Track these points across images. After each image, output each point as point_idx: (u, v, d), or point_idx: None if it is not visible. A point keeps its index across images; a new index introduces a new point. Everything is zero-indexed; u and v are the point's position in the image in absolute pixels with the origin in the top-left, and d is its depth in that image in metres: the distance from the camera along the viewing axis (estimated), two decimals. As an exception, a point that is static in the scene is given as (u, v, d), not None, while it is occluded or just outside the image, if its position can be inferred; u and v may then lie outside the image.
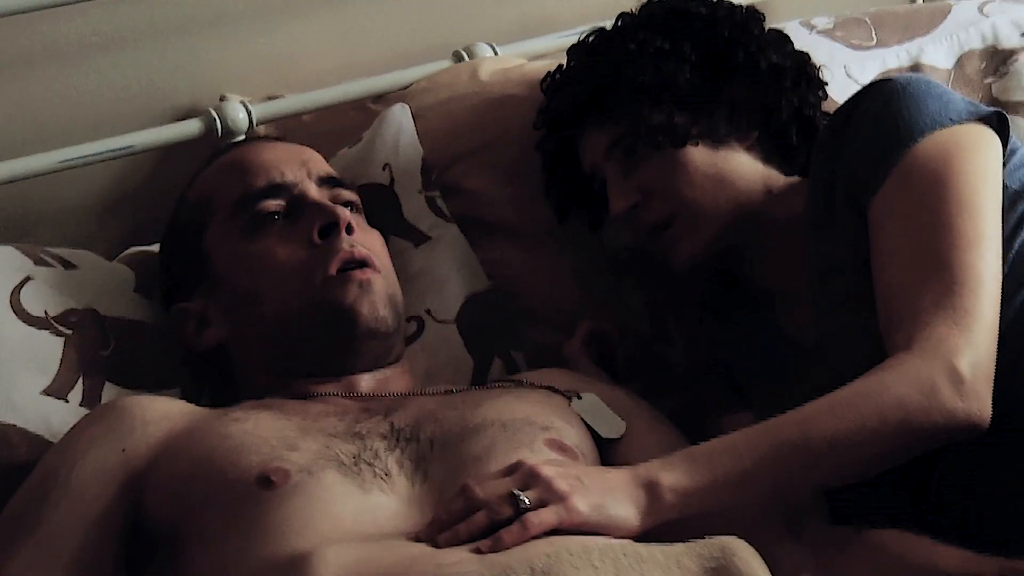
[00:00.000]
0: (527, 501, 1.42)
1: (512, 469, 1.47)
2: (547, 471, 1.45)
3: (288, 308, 1.71)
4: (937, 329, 1.52)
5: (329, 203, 1.75)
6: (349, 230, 1.73)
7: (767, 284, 1.86)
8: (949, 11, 2.27)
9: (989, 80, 2.20)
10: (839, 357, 1.70)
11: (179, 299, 1.81)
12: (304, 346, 1.72)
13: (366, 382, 1.73)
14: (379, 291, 1.72)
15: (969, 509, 1.59)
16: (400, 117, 2.04)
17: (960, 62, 2.22)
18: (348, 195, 1.81)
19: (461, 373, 1.90)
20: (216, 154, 1.90)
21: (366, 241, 1.76)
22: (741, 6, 1.91)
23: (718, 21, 1.86)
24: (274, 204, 1.75)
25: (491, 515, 1.42)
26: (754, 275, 1.87)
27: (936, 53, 2.22)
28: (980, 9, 2.28)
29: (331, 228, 1.73)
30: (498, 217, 2.01)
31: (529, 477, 1.45)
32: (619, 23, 1.92)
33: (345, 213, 1.74)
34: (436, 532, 1.43)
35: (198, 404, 1.73)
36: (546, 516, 1.41)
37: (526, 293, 1.97)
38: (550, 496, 1.43)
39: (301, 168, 1.79)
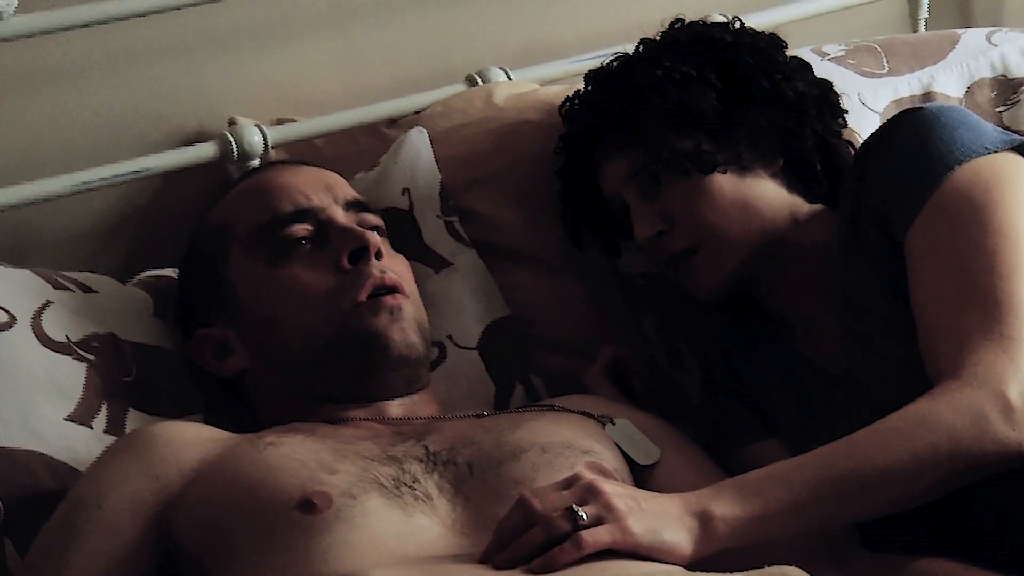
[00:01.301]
0: (585, 517, 1.40)
1: (570, 482, 1.45)
2: (607, 487, 1.44)
3: (316, 335, 1.69)
4: (984, 357, 1.52)
5: (358, 228, 1.73)
6: (378, 255, 1.71)
7: (786, 311, 1.86)
8: (958, 40, 2.28)
9: (1000, 109, 2.21)
10: (871, 387, 1.70)
11: (199, 325, 1.78)
12: (332, 373, 1.70)
13: (395, 408, 1.71)
14: (409, 317, 1.71)
15: (1009, 536, 1.59)
16: (418, 141, 2.03)
17: (971, 90, 2.23)
18: (374, 219, 1.79)
19: (483, 399, 1.89)
20: (239, 179, 1.87)
21: (394, 267, 1.75)
22: (763, 33, 1.91)
23: (742, 48, 1.86)
24: (301, 229, 1.73)
25: (547, 532, 1.40)
26: (773, 302, 1.87)
27: (947, 81, 2.23)
28: (988, 38, 2.29)
29: (361, 253, 1.71)
30: (512, 243, 2.00)
31: (588, 492, 1.43)
32: (642, 49, 1.92)
33: (375, 238, 1.72)
34: (496, 551, 1.41)
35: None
36: (601, 535, 1.39)
37: (539, 319, 1.96)
38: (607, 514, 1.42)
39: (327, 192, 1.77)
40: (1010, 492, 1.56)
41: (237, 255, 1.75)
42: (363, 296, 1.69)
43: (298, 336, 1.70)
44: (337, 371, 1.69)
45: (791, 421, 1.81)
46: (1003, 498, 1.57)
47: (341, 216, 1.75)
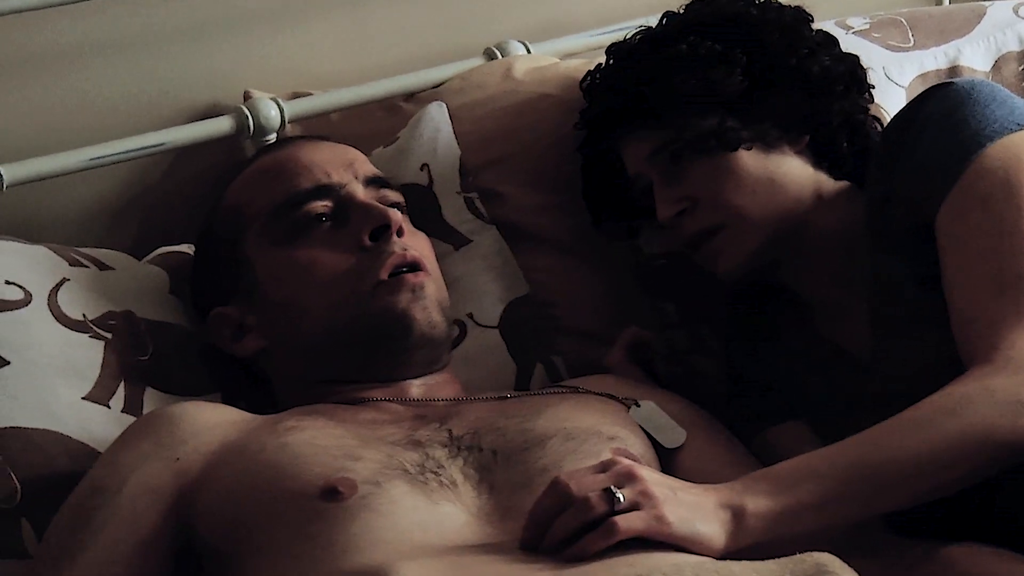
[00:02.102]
0: (622, 499, 1.37)
1: (606, 466, 1.42)
2: (644, 473, 1.41)
3: (337, 315, 1.66)
4: (1018, 341, 1.49)
5: (379, 204, 1.71)
6: (399, 233, 1.69)
7: (810, 294, 1.83)
8: (984, 13, 2.25)
9: (1027, 83, 2.19)
10: (900, 373, 1.67)
11: (215, 303, 1.75)
12: (353, 354, 1.67)
13: (416, 388, 1.69)
14: (431, 295, 1.68)
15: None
16: (437, 116, 2.00)
17: (998, 64, 2.20)
18: (394, 196, 1.76)
19: (504, 378, 1.87)
20: (255, 155, 1.85)
21: (416, 244, 1.72)
22: (789, 6, 1.87)
23: (768, 24, 1.83)
24: (321, 205, 1.71)
25: (581, 515, 1.37)
26: (797, 284, 1.84)
27: (974, 55, 2.20)
28: (1015, 11, 2.26)
29: (382, 231, 1.68)
30: (530, 223, 1.97)
31: (625, 476, 1.40)
32: (665, 23, 1.89)
33: (396, 215, 1.69)
34: (534, 535, 1.39)
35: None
36: (635, 522, 1.37)
37: (558, 302, 1.94)
38: (644, 501, 1.39)
39: (347, 169, 1.74)
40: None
41: (255, 234, 1.73)
42: (384, 274, 1.66)
43: (318, 317, 1.67)
44: (357, 351, 1.67)
45: (817, 406, 1.78)
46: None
47: (361, 193, 1.72)
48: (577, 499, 1.37)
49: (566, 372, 1.89)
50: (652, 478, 1.41)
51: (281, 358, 1.72)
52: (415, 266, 1.68)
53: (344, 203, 1.71)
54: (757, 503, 1.43)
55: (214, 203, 1.82)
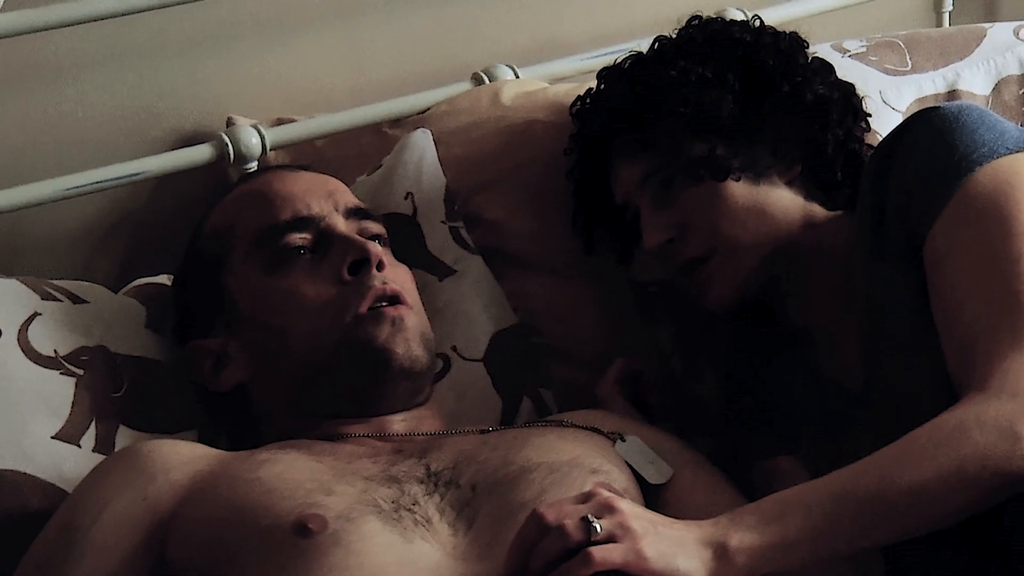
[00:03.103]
0: (599, 529, 1.34)
1: (587, 496, 1.38)
2: (624, 505, 1.37)
3: (316, 347, 1.63)
4: (1013, 367, 1.45)
5: (359, 238, 1.68)
6: (380, 266, 1.66)
7: (806, 322, 1.79)
8: (984, 35, 2.21)
9: (1028, 107, 2.15)
10: (893, 400, 1.63)
11: (195, 335, 1.72)
12: (332, 386, 1.64)
13: (396, 423, 1.66)
14: (412, 328, 1.65)
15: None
16: (422, 143, 1.96)
17: (998, 88, 2.16)
18: (375, 228, 1.73)
19: (489, 413, 1.82)
20: (237, 182, 1.82)
21: (397, 277, 1.69)
22: (784, 33, 1.83)
23: (762, 49, 1.79)
24: (299, 238, 1.68)
25: (557, 543, 1.33)
26: (792, 312, 1.80)
27: (973, 79, 2.16)
28: (1016, 33, 2.22)
29: (361, 264, 1.65)
30: (520, 249, 1.93)
31: (605, 508, 1.36)
32: (656, 47, 1.85)
33: (376, 248, 1.67)
34: (511, 567, 1.35)
35: (217, 447, 1.64)
36: (612, 553, 1.33)
37: (548, 329, 1.90)
38: (622, 533, 1.35)
39: (328, 200, 1.72)
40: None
41: (236, 262, 1.70)
42: (364, 308, 1.63)
43: (299, 348, 1.65)
44: (337, 384, 1.64)
45: (808, 437, 1.74)
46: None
47: (342, 225, 1.70)
48: (553, 527, 1.34)
49: (555, 406, 1.85)
50: (632, 511, 1.37)
51: (262, 391, 1.69)
52: (395, 299, 1.65)
53: (324, 235, 1.68)
54: (743, 538, 1.39)
55: (197, 227, 1.79)
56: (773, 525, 1.40)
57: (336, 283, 1.65)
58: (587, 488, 1.47)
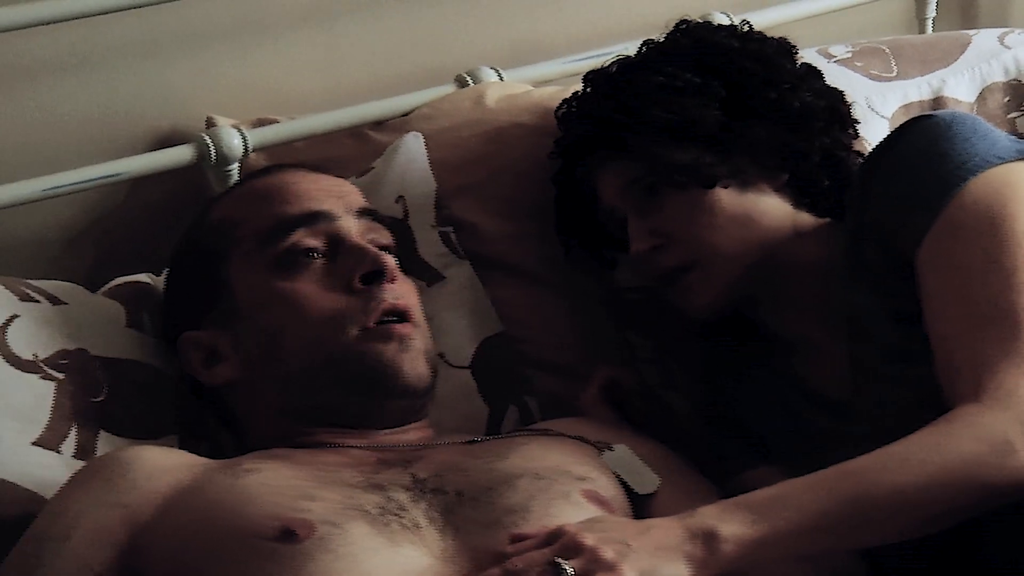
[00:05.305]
0: (570, 571, 1.33)
1: (553, 537, 1.38)
2: (590, 540, 1.36)
3: (317, 355, 1.61)
4: (1006, 379, 1.45)
5: (372, 248, 1.65)
6: (391, 279, 1.64)
7: (784, 331, 1.78)
8: (969, 42, 2.20)
9: (1014, 115, 2.14)
10: (877, 414, 1.63)
11: (186, 327, 1.69)
12: (329, 397, 1.62)
13: (387, 435, 1.63)
14: (418, 347, 1.63)
15: (1020, 568, 1.51)
16: (414, 147, 1.94)
17: (983, 95, 2.16)
18: (385, 239, 1.70)
19: (475, 421, 1.81)
20: (245, 178, 1.80)
21: (405, 292, 1.66)
22: (772, 39, 1.82)
23: (748, 56, 1.78)
24: (310, 238, 1.65)
25: None
26: (770, 322, 1.79)
27: (958, 86, 2.15)
28: (1001, 40, 2.21)
29: (375, 276, 1.63)
30: (500, 254, 1.92)
31: (571, 548, 1.36)
32: (643, 52, 1.83)
33: (390, 261, 1.64)
34: None
35: (198, 453, 1.62)
36: None
37: (528, 336, 1.88)
38: (596, 566, 1.34)
39: (338, 200, 1.69)
40: (1022, 522, 1.48)
41: (241, 254, 1.67)
42: (372, 322, 1.61)
43: (299, 354, 1.62)
44: (335, 396, 1.62)
45: (789, 449, 1.73)
46: (1014, 528, 1.49)
47: (354, 229, 1.67)
48: None
49: (540, 414, 1.83)
50: (601, 539, 1.36)
51: (254, 392, 1.66)
52: (404, 316, 1.63)
53: (335, 240, 1.66)
54: (731, 528, 1.39)
55: (198, 218, 1.75)
56: (762, 517, 1.40)
57: (346, 292, 1.62)
58: (574, 496, 1.48)
